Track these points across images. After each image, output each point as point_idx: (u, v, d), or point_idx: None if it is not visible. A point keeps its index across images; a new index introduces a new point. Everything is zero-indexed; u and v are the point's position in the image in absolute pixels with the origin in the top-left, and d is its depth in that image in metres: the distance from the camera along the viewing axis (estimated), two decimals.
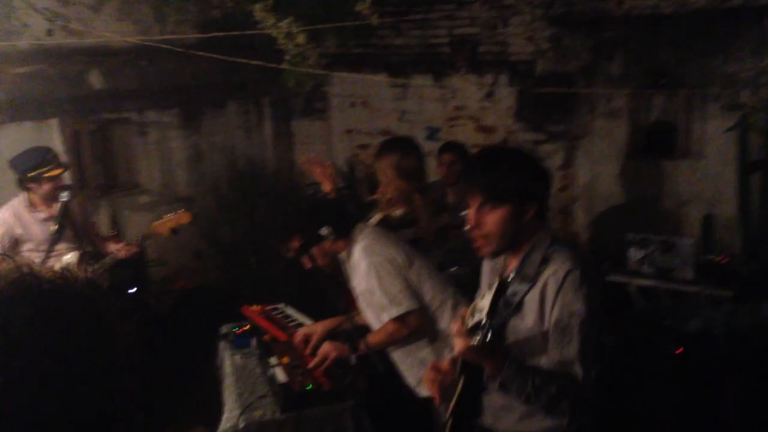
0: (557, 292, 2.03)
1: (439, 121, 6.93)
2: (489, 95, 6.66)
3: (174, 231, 3.96)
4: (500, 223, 2.08)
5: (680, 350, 3.43)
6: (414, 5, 6.61)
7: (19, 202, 4.03)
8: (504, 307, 2.09)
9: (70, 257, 3.96)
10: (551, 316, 2.04)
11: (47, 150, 4.01)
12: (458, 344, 2.01)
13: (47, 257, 3.94)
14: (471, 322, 1.96)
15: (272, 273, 5.43)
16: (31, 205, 4.00)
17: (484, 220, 2.09)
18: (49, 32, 4.42)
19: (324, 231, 3.02)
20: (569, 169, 6.37)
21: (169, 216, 3.97)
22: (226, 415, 2.97)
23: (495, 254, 2.18)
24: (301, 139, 7.64)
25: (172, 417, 4.58)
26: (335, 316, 3.35)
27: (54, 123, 5.63)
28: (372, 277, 2.95)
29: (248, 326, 3.54)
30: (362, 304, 3.11)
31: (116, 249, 4.09)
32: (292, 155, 7.60)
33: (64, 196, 3.81)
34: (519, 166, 2.14)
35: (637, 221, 6.04)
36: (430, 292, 3.03)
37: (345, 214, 3.21)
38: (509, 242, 2.12)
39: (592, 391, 2.04)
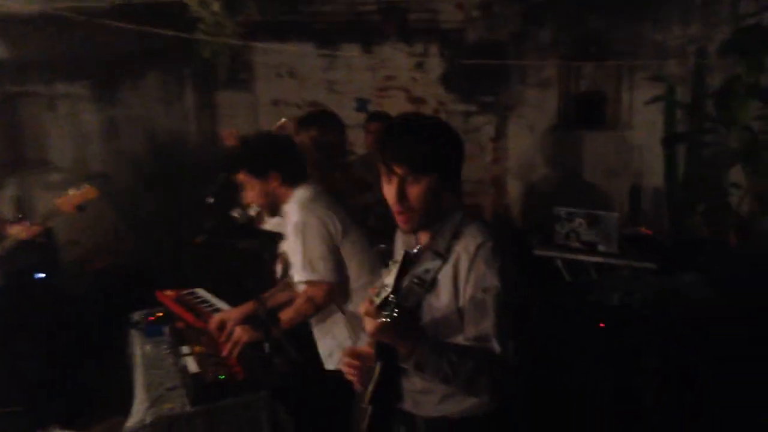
0: (469, 267, 1.92)
1: (368, 92, 6.75)
2: (419, 65, 6.52)
3: (80, 208, 3.61)
4: (423, 195, 1.96)
5: (603, 324, 3.40)
6: None
7: None
8: (418, 285, 1.98)
9: None
10: (465, 292, 1.93)
11: None
12: (367, 324, 1.86)
13: None
14: (378, 300, 1.83)
15: (190, 253, 5.20)
16: None
17: (408, 193, 1.96)
18: None
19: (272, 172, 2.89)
20: (501, 140, 6.30)
21: (74, 192, 3.63)
22: (134, 408, 2.79)
23: (417, 229, 2.06)
24: (226, 111, 7.34)
25: (90, 406, 4.36)
26: (252, 299, 3.19)
27: None
28: (298, 234, 2.84)
29: (160, 313, 3.34)
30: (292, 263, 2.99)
31: (18, 230, 3.79)
32: (216, 127, 7.30)
33: None
34: (440, 136, 2.01)
35: (567, 192, 6.05)
36: (356, 269, 2.92)
37: (297, 160, 3.03)
38: (429, 217, 2.00)
39: (514, 366, 1.92)
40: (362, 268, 2.93)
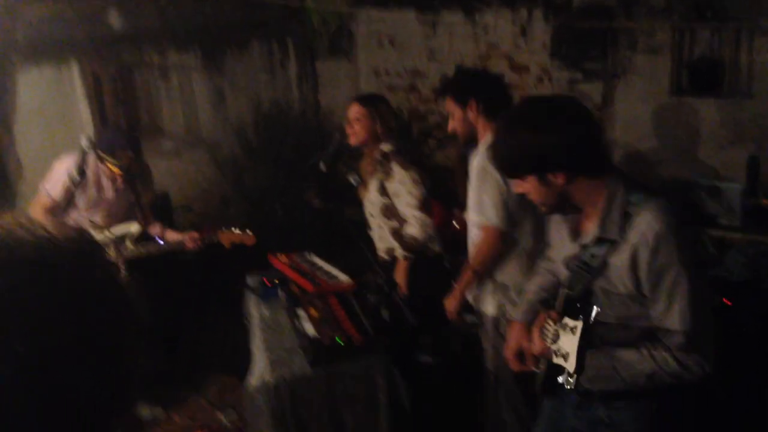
0: (651, 261, 1.84)
1: (470, 60, 6.65)
2: (523, 32, 6.35)
3: (234, 246, 3.79)
4: (534, 192, 1.98)
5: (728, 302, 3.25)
6: None
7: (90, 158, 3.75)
8: (585, 270, 1.95)
9: (131, 228, 3.84)
10: (648, 286, 1.87)
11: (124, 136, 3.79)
12: (535, 344, 2.03)
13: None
14: (554, 359, 1.94)
15: (298, 220, 5.30)
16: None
17: (524, 190, 2.00)
18: None
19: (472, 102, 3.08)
20: (608, 108, 6.10)
21: (236, 230, 3.82)
22: (254, 368, 2.90)
23: (551, 213, 2.09)
24: (327, 80, 7.41)
25: (201, 365, 4.55)
26: (363, 264, 3.25)
27: (74, 65, 5.49)
28: (477, 178, 3.02)
29: (275, 277, 3.43)
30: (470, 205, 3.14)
31: (177, 236, 3.96)
32: (318, 97, 7.39)
33: (86, 143, 3.60)
34: (528, 137, 1.91)
35: (679, 162, 5.81)
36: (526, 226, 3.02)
37: (501, 95, 3.18)
38: (558, 205, 2.00)
39: (707, 349, 1.86)
40: (529, 229, 3.02)
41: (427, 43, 6.82)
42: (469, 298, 3.12)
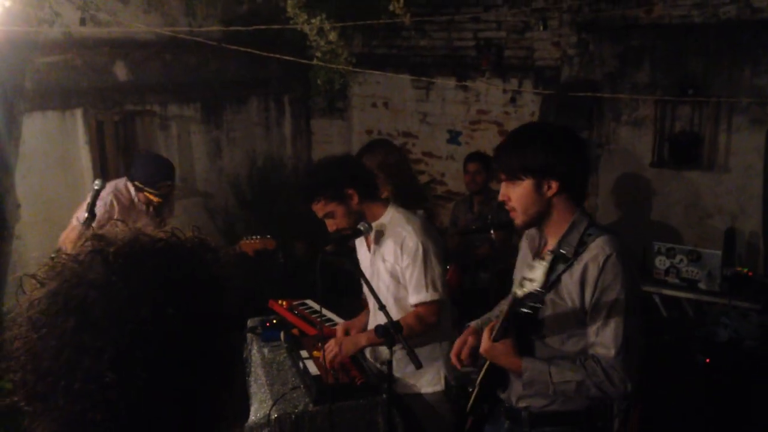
0: (597, 277, 2.09)
1: (461, 125, 6.90)
2: (513, 100, 6.63)
3: (257, 253, 3.94)
4: (521, 197, 2.18)
5: (708, 360, 3.39)
6: (440, 7, 6.60)
7: (123, 183, 4.04)
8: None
9: None
10: (591, 301, 2.10)
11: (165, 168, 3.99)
12: (483, 342, 2.17)
13: None
14: (521, 293, 2.02)
15: (295, 270, 5.40)
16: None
17: (509, 194, 2.21)
18: (83, 21, 4.40)
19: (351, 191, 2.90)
20: (592, 176, 6.33)
21: (256, 238, 3.96)
22: (255, 407, 2.95)
23: (524, 226, 2.29)
24: (320, 138, 7.63)
25: None
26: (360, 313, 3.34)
27: (78, 113, 5.63)
28: (418, 256, 2.84)
29: (275, 320, 3.51)
30: (383, 281, 2.99)
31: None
32: (311, 153, 7.59)
33: (98, 183, 3.68)
34: (540, 144, 2.18)
35: (658, 231, 6.01)
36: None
37: (368, 175, 3.08)
38: (534, 216, 2.21)
39: (633, 370, 2.08)
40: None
41: (420, 107, 7.07)
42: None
